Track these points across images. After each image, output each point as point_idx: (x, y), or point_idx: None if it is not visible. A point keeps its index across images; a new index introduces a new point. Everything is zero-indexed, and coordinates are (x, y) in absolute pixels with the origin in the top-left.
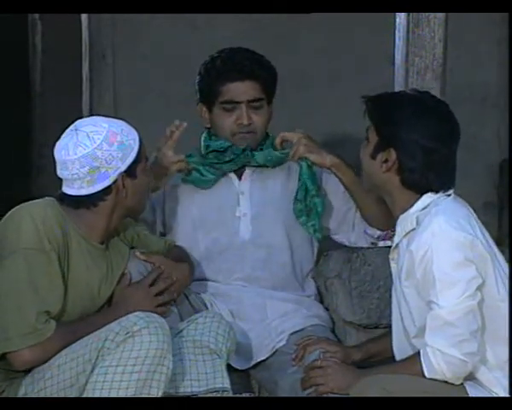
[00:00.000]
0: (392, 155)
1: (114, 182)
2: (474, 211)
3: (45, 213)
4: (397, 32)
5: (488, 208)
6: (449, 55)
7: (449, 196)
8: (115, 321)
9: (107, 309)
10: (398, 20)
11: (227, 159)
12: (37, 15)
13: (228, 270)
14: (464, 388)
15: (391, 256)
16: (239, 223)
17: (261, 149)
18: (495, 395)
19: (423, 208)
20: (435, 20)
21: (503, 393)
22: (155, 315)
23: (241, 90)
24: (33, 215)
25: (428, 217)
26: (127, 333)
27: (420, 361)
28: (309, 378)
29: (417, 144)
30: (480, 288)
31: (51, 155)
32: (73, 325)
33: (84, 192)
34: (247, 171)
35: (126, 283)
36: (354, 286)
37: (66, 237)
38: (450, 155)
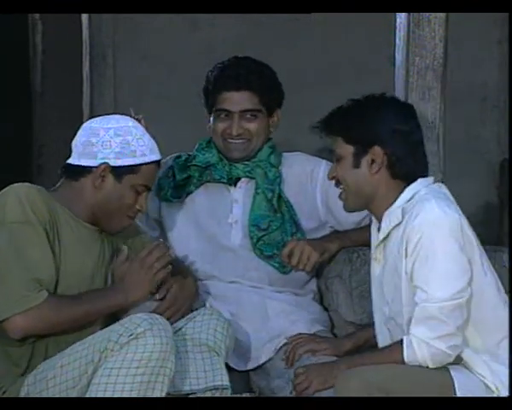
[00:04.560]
0: (378, 151)
1: (98, 167)
2: (474, 211)
3: (29, 190)
4: (397, 32)
5: (488, 208)
6: (449, 55)
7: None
8: (118, 322)
9: (106, 287)
10: (398, 20)
11: (207, 179)
12: (37, 15)
13: (221, 270)
14: (448, 371)
15: (373, 256)
16: (230, 229)
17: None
18: (481, 378)
19: (408, 200)
20: (436, 20)
21: (490, 375)
22: (158, 317)
23: (235, 99)
24: (17, 192)
25: (419, 204)
26: (131, 335)
27: (401, 349)
28: (295, 386)
29: (396, 131)
30: (469, 283)
31: (51, 154)
32: (69, 298)
33: (71, 161)
34: (243, 179)
35: (123, 258)
36: (355, 286)
37: (53, 215)
38: (422, 137)
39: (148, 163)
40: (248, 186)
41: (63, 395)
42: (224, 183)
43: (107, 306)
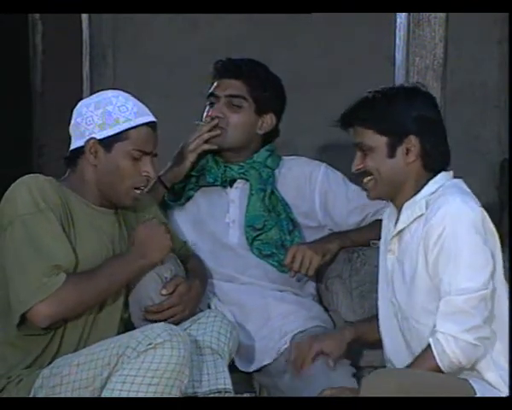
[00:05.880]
0: (413, 141)
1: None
2: None
3: (38, 179)
4: (397, 31)
5: (488, 208)
6: (449, 55)
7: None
8: (138, 329)
9: (124, 253)
10: (398, 20)
11: (201, 183)
12: (37, 15)
13: (223, 267)
14: (469, 382)
15: (388, 247)
16: (228, 228)
17: (250, 159)
18: (498, 392)
19: (432, 193)
20: (436, 20)
21: (505, 389)
22: (178, 328)
23: (224, 85)
24: (26, 182)
25: (442, 197)
26: (149, 344)
27: (431, 351)
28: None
29: (427, 119)
30: (492, 275)
31: (51, 154)
32: (89, 273)
33: (70, 149)
34: (239, 180)
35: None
36: (355, 286)
37: (65, 202)
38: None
39: (134, 127)
40: (244, 187)
41: (75, 393)
42: (218, 185)
43: (129, 271)
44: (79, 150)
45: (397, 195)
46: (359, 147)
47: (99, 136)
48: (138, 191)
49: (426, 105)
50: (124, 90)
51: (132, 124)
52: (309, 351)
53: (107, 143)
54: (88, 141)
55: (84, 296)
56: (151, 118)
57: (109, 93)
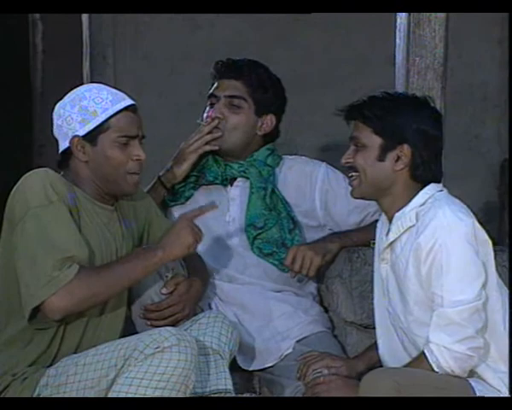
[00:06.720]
0: (406, 150)
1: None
2: (475, 211)
3: (47, 172)
4: (397, 32)
5: (488, 208)
6: (450, 55)
7: (441, 191)
8: (146, 332)
9: (142, 248)
10: (398, 20)
11: (201, 182)
12: (37, 15)
13: (222, 266)
14: (469, 383)
15: (381, 257)
16: (228, 227)
17: (251, 157)
18: (497, 392)
19: (422, 204)
20: (436, 20)
21: (505, 389)
22: (187, 333)
23: (224, 85)
24: (37, 175)
25: (433, 209)
26: (157, 347)
27: (427, 360)
28: (312, 395)
29: (428, 135)
30: (484, 286)
31: (51, 154)
32: (100, 266)
33: (60, 151)
34: (239, 178)
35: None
36: (355, 286)
37: (74, 196)
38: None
39: (113, 115)
40: (245, 185)
41: (80, 393)
42: (219, 184)
43: (145, 265)
44: (68, 151)
45: (381, 200)
46: (354, 141)
47: (81, 132)
48: (136, 176)
49: (430, 120)
50: (124, 91)
51: (110, 112)
52: (317, 362)
53: (91, 137)
54: (72, 140)
55: (96, 289)
56: (128, 102)
57: (82, 88)
